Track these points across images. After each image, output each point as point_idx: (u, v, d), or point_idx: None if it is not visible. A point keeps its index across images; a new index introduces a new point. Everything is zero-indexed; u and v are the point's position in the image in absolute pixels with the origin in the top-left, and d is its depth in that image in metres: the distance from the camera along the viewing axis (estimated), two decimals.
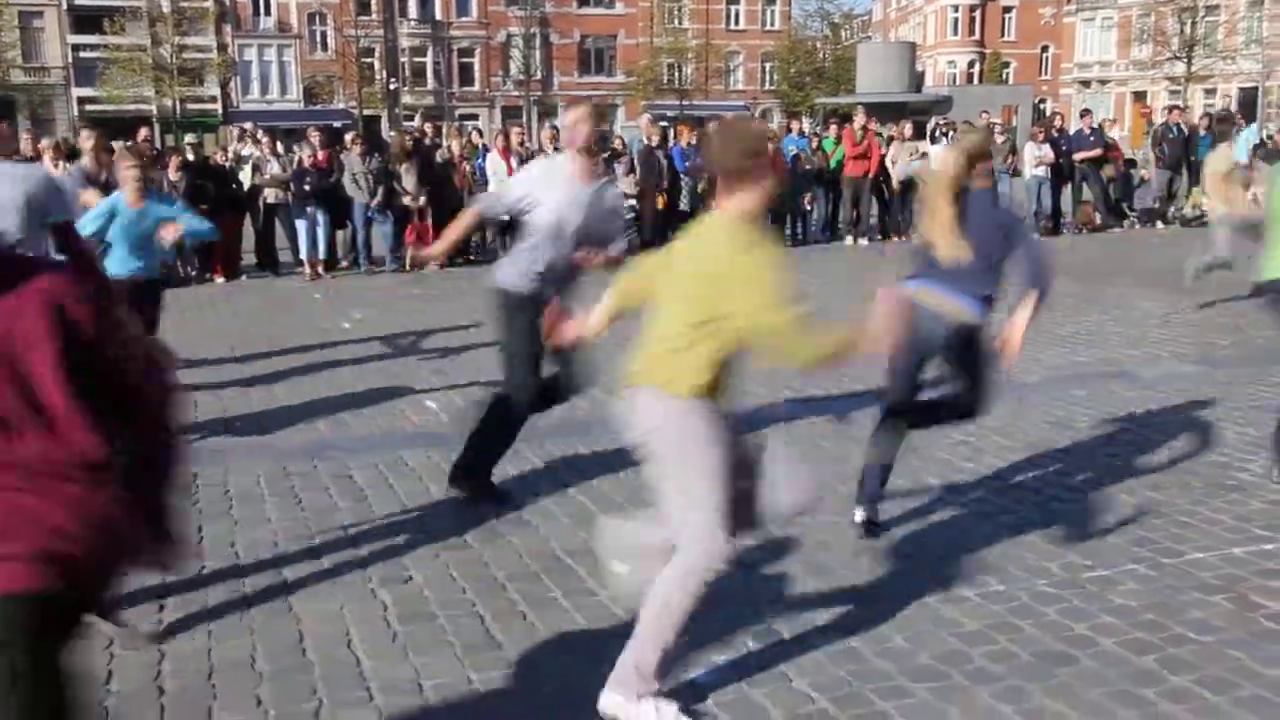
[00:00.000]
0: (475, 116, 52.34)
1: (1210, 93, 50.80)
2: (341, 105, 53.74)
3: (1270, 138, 17.90)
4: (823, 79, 62.05)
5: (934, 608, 3.96)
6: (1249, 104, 44.02)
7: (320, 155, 13.60)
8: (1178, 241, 15.20)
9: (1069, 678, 3.46)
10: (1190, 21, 49.49)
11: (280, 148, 14.34)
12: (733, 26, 61.64)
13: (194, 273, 13.25)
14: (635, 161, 14.96)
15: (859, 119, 15.74)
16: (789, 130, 17.24)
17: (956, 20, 67.21)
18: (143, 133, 15.09)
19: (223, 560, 4.53)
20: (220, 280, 13.15)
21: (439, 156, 14.34)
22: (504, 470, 5.63)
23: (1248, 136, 17.65)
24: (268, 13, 53.78)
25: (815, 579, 4.22)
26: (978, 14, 67.17)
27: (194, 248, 12.68)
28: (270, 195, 13.50)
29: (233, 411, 7.05)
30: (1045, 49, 67.67)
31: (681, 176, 14.68)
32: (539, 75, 56.53)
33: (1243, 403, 6.65)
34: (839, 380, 7.03)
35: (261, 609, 4.07)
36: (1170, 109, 20.86)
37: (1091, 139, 16.43)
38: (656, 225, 14.86)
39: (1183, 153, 17.08)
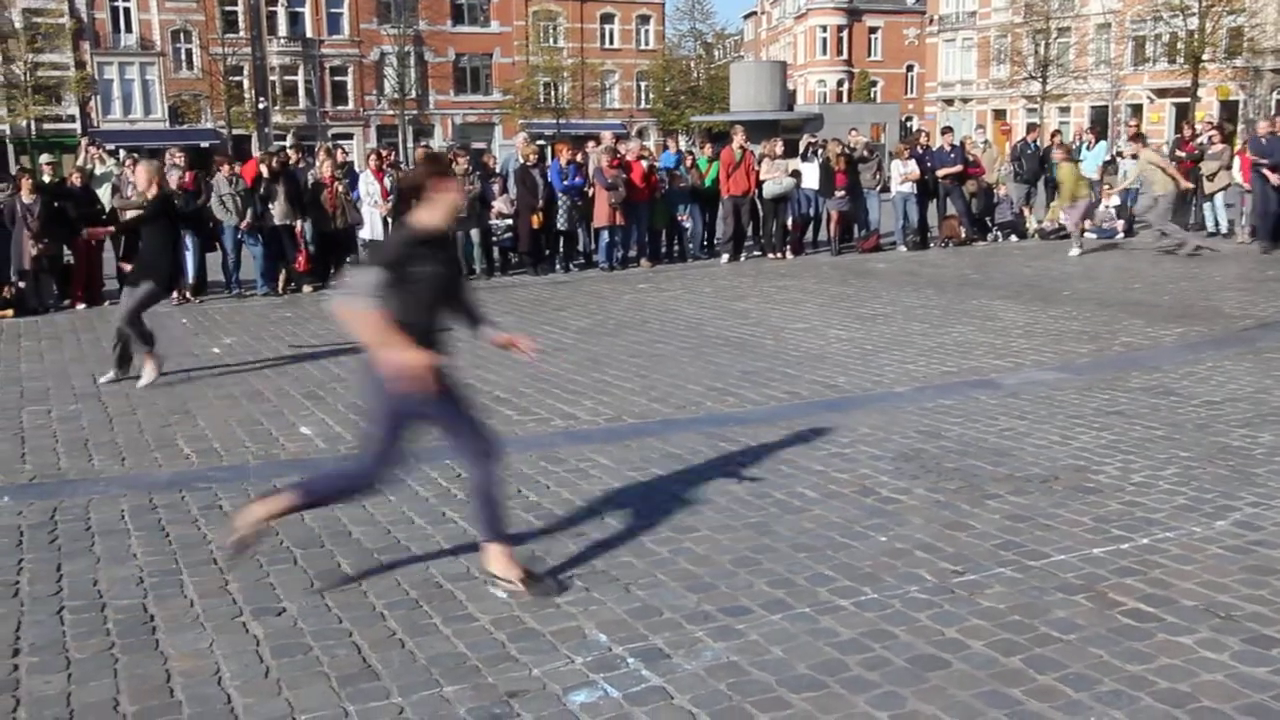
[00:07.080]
0: (350, 136, 51.59)
1: (1065, 110, 53.07)
2: (210, 125, 52.36)
3: (1119, 154, 18.75)
4: (697, 97, 62.97)
5: (810, 618, 4.03)
6: (1100, 121, 46.13)
7: (186, 176, 13.20)
8: (1038, 254, 15.82)
9: (940, 681, 3.55)
10: (1044, 43, 51.76)
11: None
12: (608, 45, 62.07)
13: (52, 300, 12.71)
14: (511, 180, 14.90)
15: (737, 138, 15.91)
16: (665, 147, 17.38)
17: (825, 40, 68.99)
18: None
19: (84, 598, 4.35)
20: (81, 307, 12.64)
21: (310, 177, 14.05)
22: (381, 498, 5.53)
23: (1099, 153, 18.52)
24: (129, 30, 52.11)
25: (694, 594, 4.25)
26: (845, 34, 69.08)
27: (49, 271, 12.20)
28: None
29: (95, 442, 6.78)
30: (910, 68, 69.95)
31: (558, 195, 14.68)
32: (414, 94, 56.00)
33: (1100, 407, 6.95)
34: None
35: (125, 647, 3.92)
36: (1030, 127, 21.75)
37: (952, 156, 16.97)
38: (532, 244, 14.85)
39: (1038, 167, 17.79)
